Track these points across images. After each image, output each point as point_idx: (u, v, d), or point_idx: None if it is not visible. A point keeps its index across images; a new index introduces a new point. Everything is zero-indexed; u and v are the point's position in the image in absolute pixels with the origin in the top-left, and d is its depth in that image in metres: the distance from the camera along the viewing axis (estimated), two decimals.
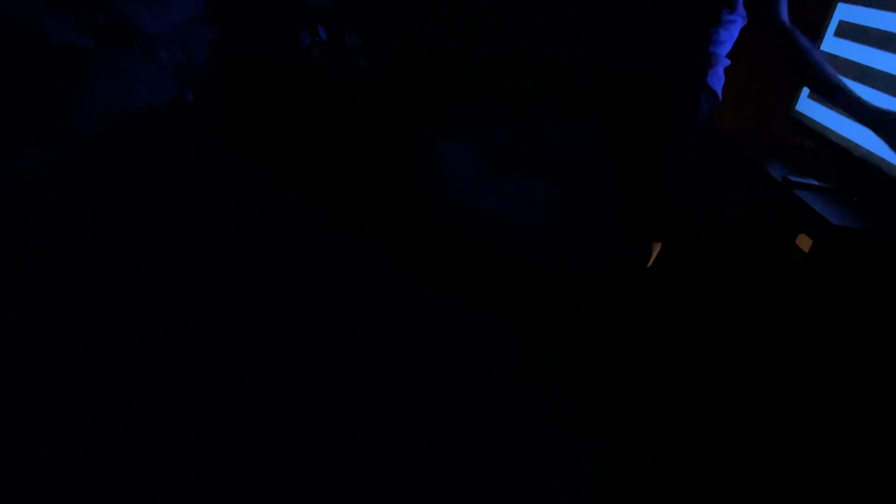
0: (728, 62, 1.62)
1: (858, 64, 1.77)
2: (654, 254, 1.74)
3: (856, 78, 1.77)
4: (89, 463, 1.36)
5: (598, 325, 1.92)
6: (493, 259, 2.22)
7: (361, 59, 3.11)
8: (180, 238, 2.20)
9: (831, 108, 1.84)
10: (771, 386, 1.62)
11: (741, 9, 1.52)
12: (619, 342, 1.90)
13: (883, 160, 1.61)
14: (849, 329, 1.48)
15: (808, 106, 1.99)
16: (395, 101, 2.84)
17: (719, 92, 1.62)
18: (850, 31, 1.85)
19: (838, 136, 1.80)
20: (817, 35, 1.96)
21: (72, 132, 2.30)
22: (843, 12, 1.91)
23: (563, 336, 1.96)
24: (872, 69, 1.71)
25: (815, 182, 1.68)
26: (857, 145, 1.72)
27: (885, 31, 1.69)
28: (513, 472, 1.50)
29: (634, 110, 1.66)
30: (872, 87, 1.70)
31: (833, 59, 1.89)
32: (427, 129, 2.75)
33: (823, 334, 1.51)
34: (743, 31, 1.59)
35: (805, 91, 2.02)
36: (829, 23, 1.95)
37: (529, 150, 2.70)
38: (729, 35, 1.57)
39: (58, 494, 1.30)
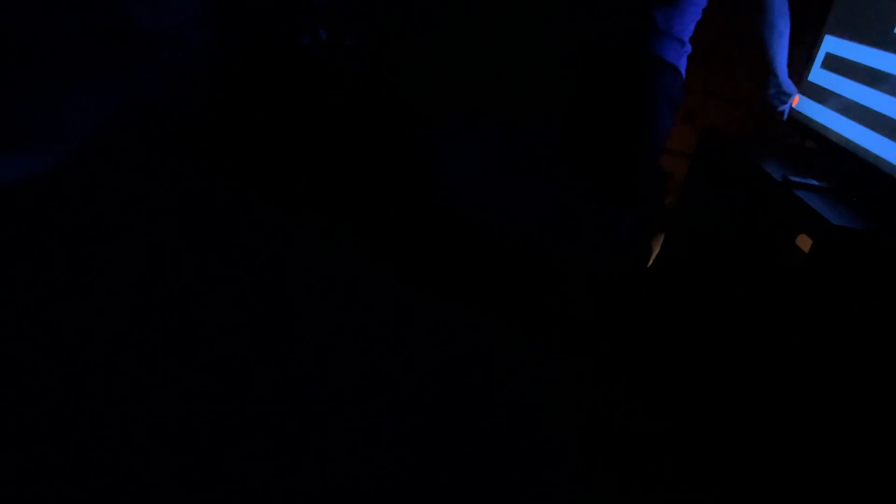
0: (690, 49, 1.75)
1: (842, 97, 1.80)
2: (654, 253, 1.74)
3: (839, 110, 1.79)
4: (88, 463, 1.36)
5: (598, 325, 1.92)
6: (496, 258, 2.22)
7: (361, 60, 3.11)
8: (180, 238, 2.20)
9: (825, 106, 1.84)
10: (771, 386, 1.62)
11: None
12: (619, 341, 1.89)
13: (883, 160, 1.61)
14: (849, 329, 1.48)
15: (808, 106, 1.99)
16: (396, 101, 2.84)
17: (683, 73, 1.77)
18: (836, 64, 1.86)
19: (838, 136, 1.80)
20: (805, 66, 1.99)
21: (72, 132, 2.29)
22: (830, 45, 1.92)
23: (561, 336, 1.96)
24: (856, 103, 1.73)
25: (815, 182, 1.68)
26: (857, 145, 1.72)
27: (869, 67, 1.71)
28: (509, 473, 1.50)
29: (601, 84, 1.72)
30: (855, 120, 1.72)
31: (819, 90, 1.92)
32: (428, 129, 2.75)
33: (824, 334, 1.51)
34: (744, 30, 1.61)
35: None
36: (816, 54, 1.97)
37: (530, 149, 2.69)
38: (691, 21, 1.72)
39: (57, 494, 1.30)
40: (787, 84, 1.88)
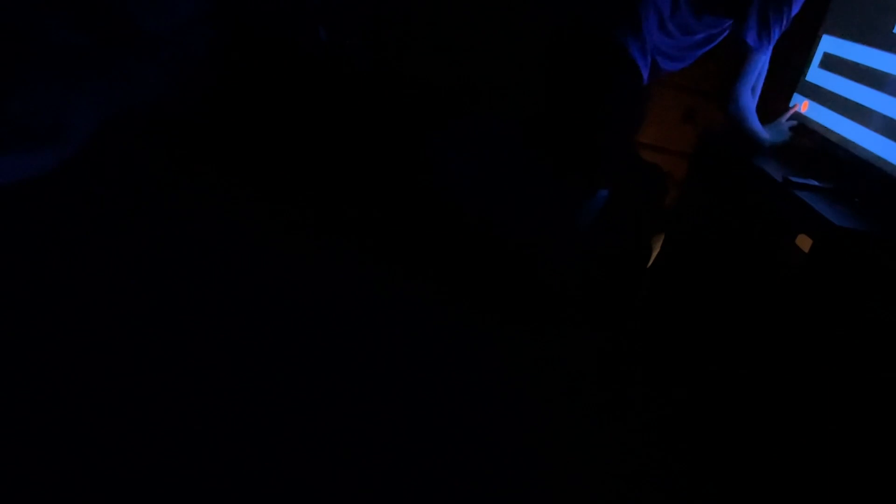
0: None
1: (841, 97, 1.80)
2: (654, 253, 1.74)
3: (838, 110, 1.79)
4: (88, 463, 1.36)
5: (598, 324, 1.92)
6: (496, 257, 2.22)
7: (361, 59, 3.11)
8: (180, 238, 2.20)
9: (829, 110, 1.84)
10: (770, 387, 1.62)
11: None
12: (619, 341, 1.90)
13: (883, 160, 1.61)
14: (849, 330, 1.48)
15: (808, 106, 2.00)
16: (396, 101, 2.84)
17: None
18: (834, 64, 1.87)
19: (839, 136, 1.81)
20: (802, 66, 1.99)
21: (71, 132, 2.29)
22: (828, 44, 1.93)
23: (560, 336, 1.96)
24: (855, 103, 1.74)
25: (815, 182, 1.68)
26: (856, 145, 1.72)
27: (868, 66, 1.71)
28: (510, 473, 1.50)
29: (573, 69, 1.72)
30: (854, 120, 1.72)
31: (817, 90, 1.94)
32: (428, 129, 2.75)
33: (823, 335, 1.51)
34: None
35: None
36: (814, 54, 1.97)
37: (529, 148, 2.69)
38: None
39: (57, 494, 1.30)
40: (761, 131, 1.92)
